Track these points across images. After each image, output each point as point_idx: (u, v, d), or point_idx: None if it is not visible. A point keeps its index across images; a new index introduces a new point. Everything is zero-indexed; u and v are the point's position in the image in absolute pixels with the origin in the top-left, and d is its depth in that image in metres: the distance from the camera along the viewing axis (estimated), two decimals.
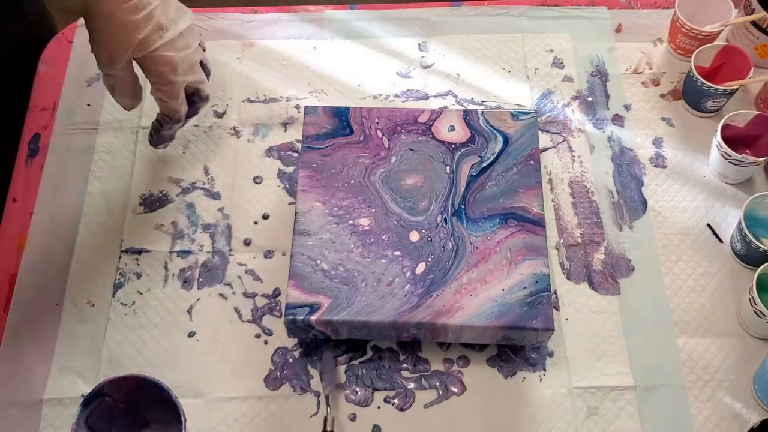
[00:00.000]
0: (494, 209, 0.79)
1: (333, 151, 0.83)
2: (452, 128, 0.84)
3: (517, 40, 0.99)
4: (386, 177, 0.81)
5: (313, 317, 0.74)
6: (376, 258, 0.77)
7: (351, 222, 0.79)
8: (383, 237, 0.78)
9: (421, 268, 0.76)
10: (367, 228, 0.78)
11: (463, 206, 0.79)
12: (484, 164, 0.82)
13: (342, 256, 0.77)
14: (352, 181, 0.81)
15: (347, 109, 0.85)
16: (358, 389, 0.78)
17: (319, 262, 0.77)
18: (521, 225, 0.78)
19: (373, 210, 0.79)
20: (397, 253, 0.77)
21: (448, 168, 0.82)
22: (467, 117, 0.85)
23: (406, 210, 0.79)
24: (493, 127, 0.84)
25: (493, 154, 0.82)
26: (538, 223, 0.79)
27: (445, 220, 0.79)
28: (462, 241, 0.78)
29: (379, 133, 0.83)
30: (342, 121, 0.84)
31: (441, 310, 0.74)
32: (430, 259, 0.77)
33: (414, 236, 0.78)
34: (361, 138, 0.83)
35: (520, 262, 0.77)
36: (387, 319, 0.74)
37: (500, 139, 0.83)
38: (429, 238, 0.78)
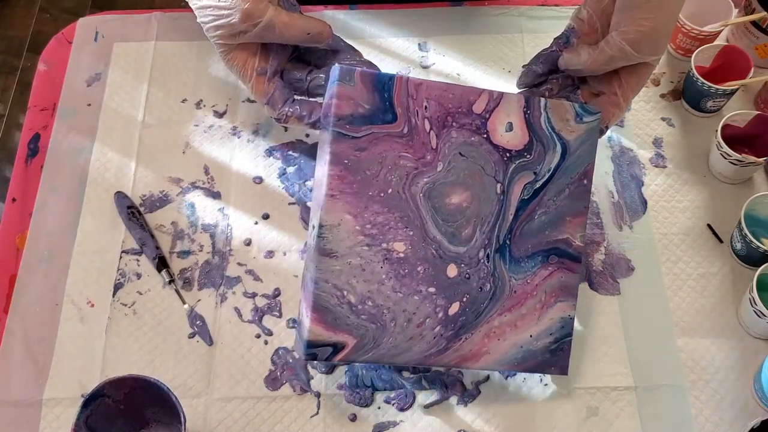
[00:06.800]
0: (539, 244, 0.74)
1: (370, 144, 0.70)
2: (510, 127, 0.73)
3: (517, 40, 0.99)
4: (430, 190, 0.71)
5: (336, 358, 0.69)
6: (409, 294, 0.70)
7: (385, 246, 0.70)
8: (419, 268, 0.71)
9: (454, 308, 0.72)
10: (401, 255, 0.70)
11: (508, 241, 0.73)
12: (538, 185, 0.74)
13: (372, 288, 0.70)
14: (390, 191, 0.70)
15: (391, 78, 0.70)
16: (358, 389, 0.77)
17: (345, 293, 0.69)
18: (561, 262, 0.74)
19: (411, 232, 0.71)
20: (432, 289, 0.71)
21: (498, 186, 0.73)
22: (528, 111, 0.73)
23: (447, 237, 0.71)
24: (554, 129, 0.74)
25: (549, 171, 0.74)
26: (577, 259, 0.75)
27: (488, 257, 0.72)
28: (501, 284, 0.73)
29: (427, 125, 0.71)
30: (383, 99, 0.70)
31: (467, 355, 0.72)
32: (465, 299, 0.72)
33: (452, 271, 0.71)
34: (405, 130, 0.71)
35: (552, 305, 0.74)
36: (412, 361, 0.72)
37: (559, 148, 0.74)
38: (467, 275, 0.72)
